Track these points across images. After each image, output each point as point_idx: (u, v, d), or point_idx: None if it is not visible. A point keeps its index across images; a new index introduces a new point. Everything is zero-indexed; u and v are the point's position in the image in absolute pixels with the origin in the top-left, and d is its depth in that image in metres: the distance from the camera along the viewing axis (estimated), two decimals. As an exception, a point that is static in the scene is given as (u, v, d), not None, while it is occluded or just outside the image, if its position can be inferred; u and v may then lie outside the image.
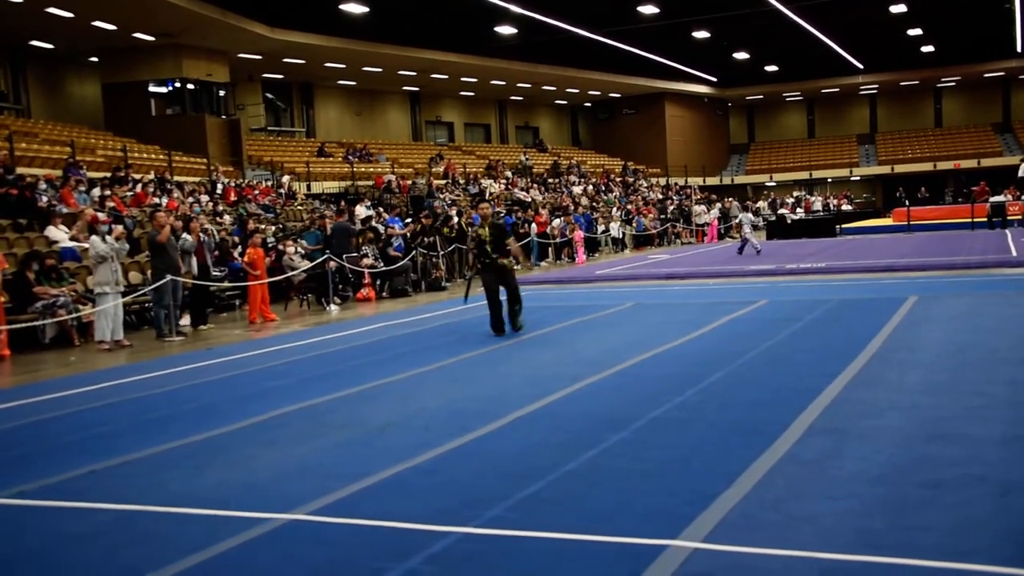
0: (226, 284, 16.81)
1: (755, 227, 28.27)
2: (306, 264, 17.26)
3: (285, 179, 28.35)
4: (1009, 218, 28.48)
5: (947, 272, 16.04)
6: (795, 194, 46.78)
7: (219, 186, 24.14)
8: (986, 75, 50.20)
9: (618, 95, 49.62)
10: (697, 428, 5.96)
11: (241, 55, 31.11)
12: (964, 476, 4.62)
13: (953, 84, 52.60)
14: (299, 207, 25.65)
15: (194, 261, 14.64)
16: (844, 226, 34.09)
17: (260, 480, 5.40)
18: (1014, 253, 18.40)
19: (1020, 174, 31.70)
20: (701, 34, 35.66)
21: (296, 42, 30.34)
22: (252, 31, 27.98)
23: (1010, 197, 30.43)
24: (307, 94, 38.91)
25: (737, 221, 28.37)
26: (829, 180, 52.80)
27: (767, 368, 8.05)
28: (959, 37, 41.18)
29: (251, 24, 27.70)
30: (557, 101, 50.88)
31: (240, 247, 17.60)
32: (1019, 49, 42.38)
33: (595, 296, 15.93)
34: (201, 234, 15.47)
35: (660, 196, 40.45)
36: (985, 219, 28.38)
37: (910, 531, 3.95)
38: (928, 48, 43.22)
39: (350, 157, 33.95)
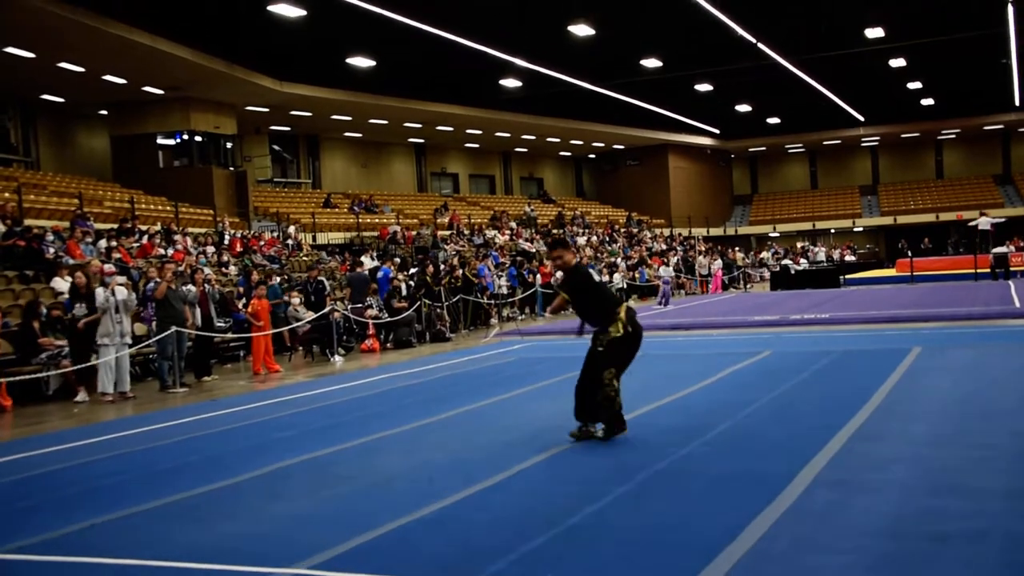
0: (230, 335, 16.84)
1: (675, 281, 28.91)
2: (310, 315, 17.31)
3: (291, 230, 28.54)
4: (1012, 269, 28.50)
5: (951, 323, 16.04)
6: (799, 245, 46.94)
7: (225, 237, 24.30)
8: (986, 128, 50.60)
9: (622, 146, 50.03)
10: (702, 480, 5.94)
11: (248, 107, 31.51)
12: (970, 530, 4.59)
13: (954, 136, 52.99)
14: (304, 258, 25.79)
15: (199, 312, 14.69)
16: (848, 277, 34.15)
17: (265, 533, 5.38)
18: (1017, 304, 18.38)
19: (980, 228, 31.83)
20: (704, 87, 36.06)
21: (303, 95, 30.72)
22: (260, 84, 28.37)
23: (1013, 248, 30.48)
24: (313, 146, 39.31)
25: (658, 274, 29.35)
26: (832, 231, 52.97)
27: (772, 419, 8.03)
28: (958, 91, 41.61)
29: (259, 78, 28.10)
30: (561, 152, 51.30)
31: (245, 298, 17.67)
32: (1017, 103, 42.78)
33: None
34: (205, 285, 15.54)
35: (664, 247, 40.59)
36: (988, 270, 28.41)
37: (916, 585, 3.93)
38: (928, 101, 43.64)
39: (355, 208, 34.20)
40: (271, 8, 21.31)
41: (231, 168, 31.21)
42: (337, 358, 16.63)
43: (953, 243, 41.73)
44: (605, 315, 7.52)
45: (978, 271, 28.95)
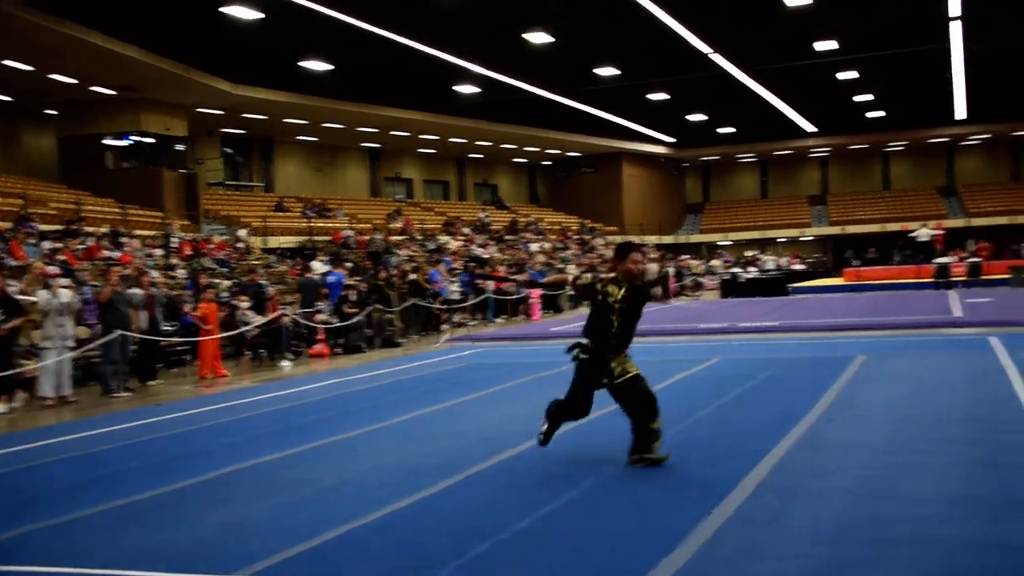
0: (176, 339, 16.59)
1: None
2: (259, 319, 17.12)
3: (242, 233, 28.21)
4: (953, 279, 29.13)
5: (894, 332, 16.33)
6: (748, 253, 47.47)
7: (174, 240, 23.94)
8: (930, 140, 51.68)
9: (576, 154, 50.24)
10: (649, 486, 5.97)
11: (201, 110, 31.10)
12: (909, 535, 4.67)
13: (901, 148, 54.01)
14: (255, 262, 25.51)
15: (144, 316, 14.45)
16: (795, 285, 34.61)
17: (209, 539, 5.31)
18: (956, 314, 18.79)
19: (919, 239, 32.64)
20: (658, 96, 36.35)
21: (257, 98, 30.39)
22: (213, 86, 28.01)
23: (955, 258, 31.14)
24: (267, 149, 38.91)
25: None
26: (782, 240, 53.68)
27: (719, 426, 8.10)
28: (906, 104, 42.45)
29: (213, 80, 27.74)
30: (516, 159, 51.38)
31: (193, 302, 17.43)
32: (960, 117, 43.73)
33: (549, 353, 15.93)
34: (151, 288, 15.29)
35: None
36: (931, 280, 29.01)
37: (856, 590, 3.98)
38: (877, 113, 44.43)
39: (308, 212, 33.93)
40: (225, 10, 21.05)
41: (182, 170, 30.78)
42: (286, 363, 16.47)
43: (900, 245, 42.33)
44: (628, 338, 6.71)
45: (921, 280, 29.55)
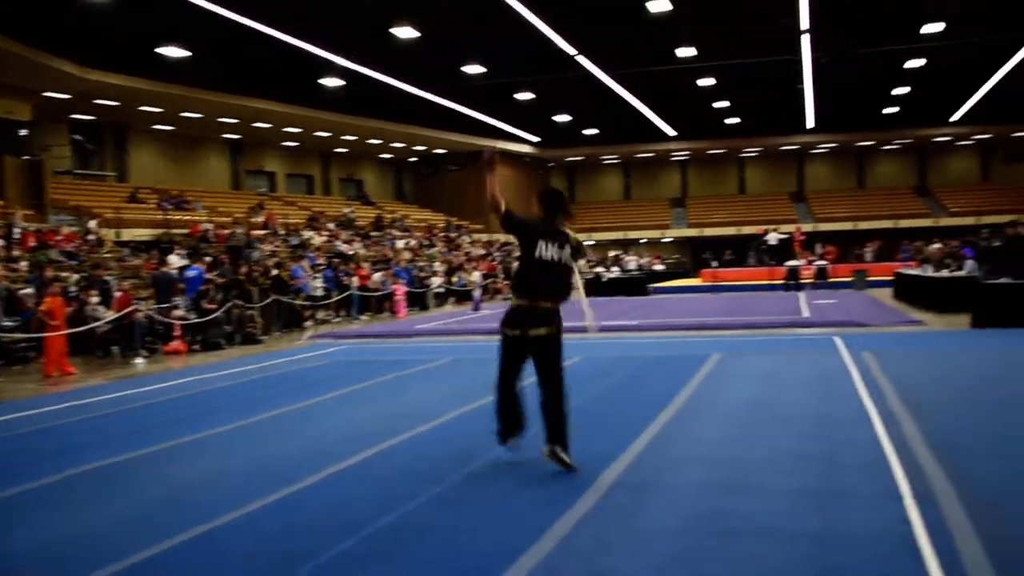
0: (18, 335, 15.76)
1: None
2: (110, 315, 16.44)
3: (92, 224, 26.96)
4: (802, 281, 30.64)
5: (747, 331, 17.04)
6: (612, 253, 48.51)
7: (16, 231, 22.69)
8: (783, 148, 54.18)
9: (443, 151, 50.23)
10: (508, 482, 6.06)
11: (47, 94, 29.52)
12: (756, 527, 4.91)
13: (755, 154, 56.37)
14: (106, 255, 24.44)
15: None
16: (656, 285, 35.61)
17: (52, 545, 5.09)
18: (805, 314, 19.77)
19: (771, 242, 34.47)
20: (525, 96, 36.75)
21: (110, 83, 29.06)
22: (60, 69, 26.62)
23: (804, 261, 32.73)
24: (120, 137, 37.25)
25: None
26: (643, 240, 55.12)
27: (579, 422, 8.23)
28: (760, 112, 44.34)
29: (59, 62, 26.37)
30: (382, 155, 50.96)
31: (37, 296, 16.58)
32: (810, 126, 45.99)
33: (415, 351, 15.94)
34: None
35: (483, 252, 41.07)
36: (782, 281, 30.43)
37: (704, 580, 4.16)
38: (734, 120, 46.21)
39: (165, 204, 32.71)
40: (75, -11, 20.12)
41: (25, 157, 29.19)
42: (139, 360, 15.88)
43: (757, 247, 44.16)
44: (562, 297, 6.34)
45: (773, 282, 30.99)
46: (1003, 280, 16.23)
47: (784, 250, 33.67)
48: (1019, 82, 35.71)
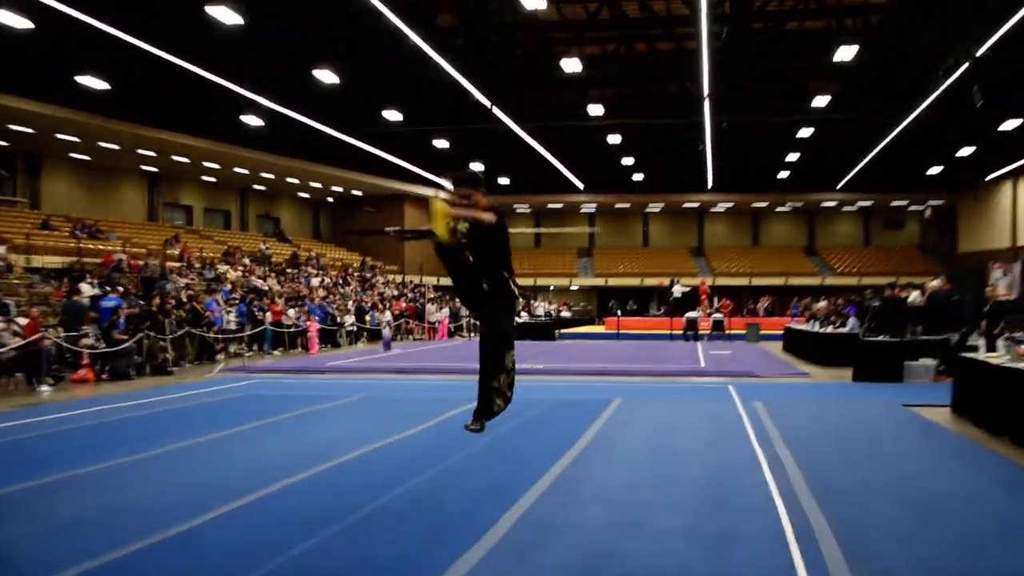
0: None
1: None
2: (17, 341, 15.78)
3: (1, 250, 25.90)
4: (700, 332, 31.31)
5: (648, 378, 17.30)
6: (520, 300, 48.77)
7: (-79, 253, 21.70)
8: (685, 205, 55.60)
9: (360, 193, 50.01)
10: (411, 521, 6.01)
11: (-41, 117, 28.51)
12: (652, 567, 4.97)
13: (658, 210, 57.68)
14: (15, 281, 23.50)
15: None
16: (563, 331, 35.92)
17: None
18: (702, 364, 20.20)
19: (674, 295, 35.51)
20: (441, 143, 36.95)
21: (23, 109, 28.14)
22: (-28, 93, 25.77)
23: (702, 313, 33.49)
24: (33, 164, 36.00)
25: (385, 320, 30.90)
26: (551, 288, 55.63)
27: (485, 461, 8.28)
28: (663, 170, 45.50)
29: (-28, 86, 25.52)
30: (300, 194, 50.42)
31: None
32: (709, 186, 47.38)
33: (326, 387, 15.70)
34: None
35: (396, 293, 40.86)
36: (681, 332, 31.04)
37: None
38: (639, 176, 47.26)
39: (78, 233, 31.68)
40: (-7, 16, 19.48)
41: (-65, 179, 28.02)
42: (45, 388, 15.26)
43: (665, 299, 45.08)
44: (511, 282, 6.28)
45: (673, 332, 31.61)
46: (881, 338, 16.89)
47: (688, 302, 34.46)
48: (895, 156, 37.60)
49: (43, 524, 6.00)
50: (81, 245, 29.92)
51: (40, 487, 7.20)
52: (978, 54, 21.45)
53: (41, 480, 7.42)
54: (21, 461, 8.47)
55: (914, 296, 18.55)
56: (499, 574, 4.82)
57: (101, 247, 30.68)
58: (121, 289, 21.87)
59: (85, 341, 17.30)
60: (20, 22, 19.65)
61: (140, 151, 35.83)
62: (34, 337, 15.83)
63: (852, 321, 20.71)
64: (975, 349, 12.78)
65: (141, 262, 27.46)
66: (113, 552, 5.22)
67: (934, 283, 18.71)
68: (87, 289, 21.53)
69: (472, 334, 37.33)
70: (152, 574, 4.89)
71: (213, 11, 19.93)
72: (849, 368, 16.83)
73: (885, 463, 8.21)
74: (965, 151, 38.17)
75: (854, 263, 53.62)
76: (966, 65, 22.06)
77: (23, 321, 16.89)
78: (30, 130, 30.95)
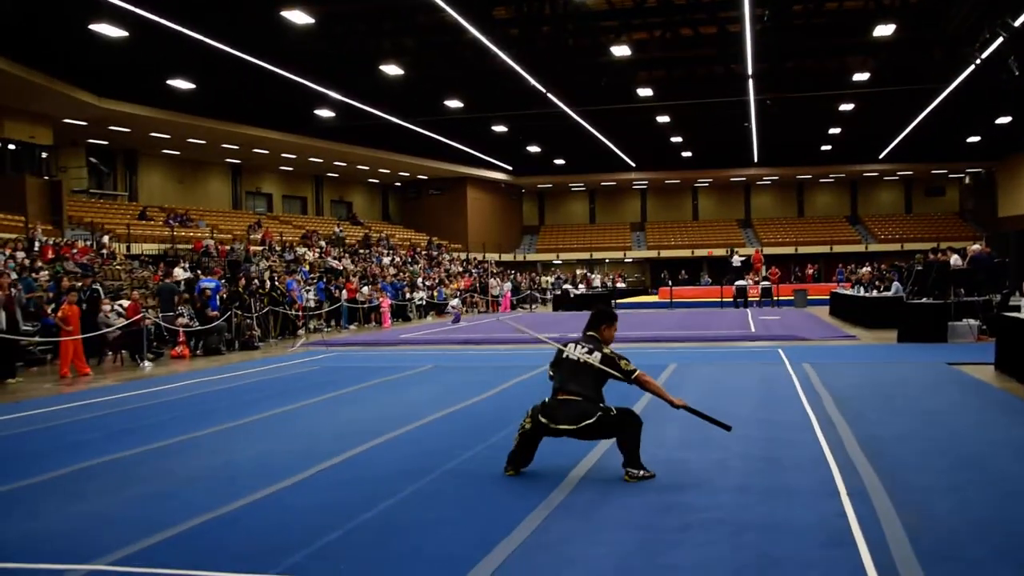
0: (37, 339, 15.52)
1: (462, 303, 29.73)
2: (121, 321, 16.23)
3: (105, 239, 26.66)
4: (750, 299, 30.81)
5: (701, 344, 17.11)
6: (579, 272, 48.63)
7: (36, 244, 22.38)
8: (732, 179, 54.67)
9: (425, 177, 50.21)
10: (484, 480, 6.03)
11: (66, 120, 29.24)
12: (706, 520, 4.91)
13: (707, 184, 56.82)
14: (118, 267, 24.17)
15: (3, 315, 13.47)
16: (618, 301, 35.69)
17: (63, 532, 5.00)
18: (753, 329, 19.89)
19: (735, 263, 34.99)
20: (499, 128, 36.85)
21: (122, 111, 28.83)
22: (79, 99, 26.39)
23: (751, 281, 32.94)
24: (131, 160, 36.93)
25: (451, 299, 30.42)
26: (607, 260, 55.30)
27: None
28: (711, 146, 44.76)
29: (79, 92, 26.14)
30: (370, 179, 50.83)
31: (54, 303, 16.34)
32: (755, 160, 46.45)
33: (399, 358, 15.86)
34: (11, 289, 14.28)
35: (460, 269, 41.02)
36: (732, 299, 30.58)
37: (662, 569, 4.15)
38: (687, 153, 46.57)
39: (171, 221, 32.43)
40: (93, 27, 19.90)
41: (46, 177, 28.86)
42: (146, 363, 15.68)
43: (728, 268, 44.57)
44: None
45: (724, 299, 31.18)
46: (925, 300, 16.43)
47: (745, 270, 34.03)
48: (934, 126, 36.38)
49: (166, 482, 6.18)
50: (174, 232, 30.62)
51: (157, 450, 7.41)
52: (1016, 24, 20.56)
53: (157, 444, 7.64)
54: (137, 427, 8.73)
55: (955, 260, 18.00)
56: (564, 530, 4.82)
57: (191, 234, 31.35)
58: (220, 272, 22.34)
59: (181, 320, 17.71)
60: (115, 31, 20.06)
61: (224, 145, 36.47)
62: (136, 318, 16.26)
63: (896, 285, 20.19)
64: (1017, 309, 12.34)
65: (227, 247, 28.00)
66: (224, 507, 5.35)
67: (975, 247, 18.14)
68: (179, 273, 22.03)
69: (533, 307, 37.33)
70: (260, 524, 5.00)
71: (287, 14, 20.11)
72: (894, 330, 16.44)
73: (933, 419, 7.99)
74: (1003, 120, 36.77)
75: (896, 230, 52.22)
76: (1003, 37, 21.18)
77: (125, 303, 17.36)
78: (127, 129, 31.71)
